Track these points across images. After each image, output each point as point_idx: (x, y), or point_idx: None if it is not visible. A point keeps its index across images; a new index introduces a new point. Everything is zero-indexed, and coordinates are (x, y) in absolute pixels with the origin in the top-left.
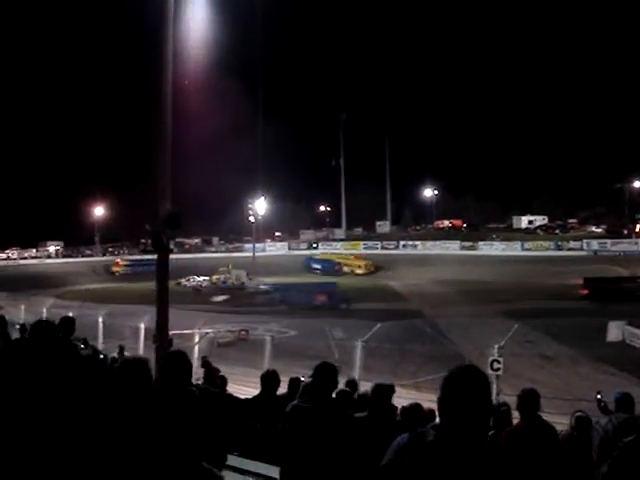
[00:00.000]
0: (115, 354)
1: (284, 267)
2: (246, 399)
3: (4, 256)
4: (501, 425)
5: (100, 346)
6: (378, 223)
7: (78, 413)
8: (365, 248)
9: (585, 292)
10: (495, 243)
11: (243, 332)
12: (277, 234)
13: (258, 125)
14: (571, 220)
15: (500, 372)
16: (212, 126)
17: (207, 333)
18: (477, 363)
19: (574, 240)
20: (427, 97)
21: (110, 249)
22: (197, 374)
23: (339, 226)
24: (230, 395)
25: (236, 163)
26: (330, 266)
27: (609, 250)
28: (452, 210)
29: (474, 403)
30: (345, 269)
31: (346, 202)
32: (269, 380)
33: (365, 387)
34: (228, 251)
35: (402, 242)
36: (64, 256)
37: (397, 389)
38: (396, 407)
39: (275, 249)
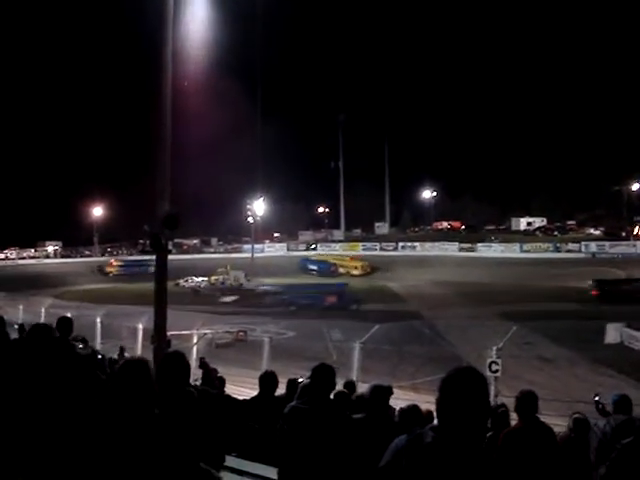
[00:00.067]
0: (115, 355)
1: (283, 268)
2: (244, 400)
3: (2, 256)
4: (499, 426)
5: (98, 346)
6: (377, 224)
7: (74, 412)
8: (364, 249)
9: (595, 294)
10: (494, 245)
11: (241, 333)
12: (276, 235)
13: (257, 126)
14: (570, 222)
15: (498, 374)
16: (211, 127)
17: (205, 334)
18: (475, 365)
19: (572, 242)
20: (426, 99)
21: (109, 249)
22: (195, 375)
23: (338, 227)
24: (228, 396)
25: (235, 164)
26: (326, 267)
27: (607, 252)
28: (451, 212)
29: (472, 405)
30: (341, 270)
31: (345, 203)
32: (267, 381)
33: (363, 389)
34: (227, 252)
35: (401, 243)
36: (62, 256)
37: (395, 390)
38: (394, 408)
39: (274, 250)
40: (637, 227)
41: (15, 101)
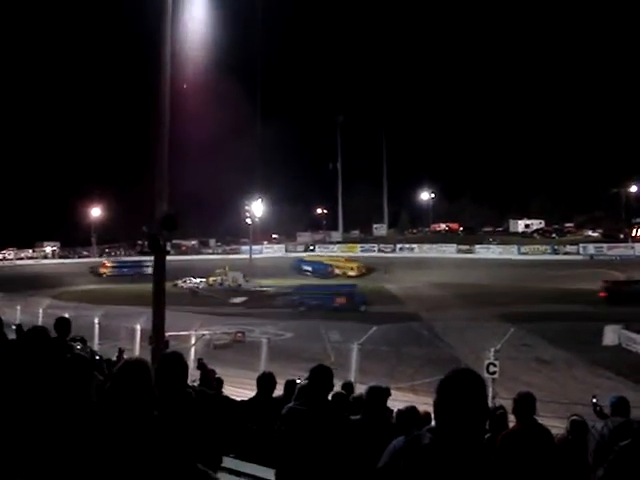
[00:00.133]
0: (114, 357)
1: (281, 269)
2: (242, 401)
3: (0, 256)
4: (497, 428)
5: (96, 347)
6: (375, 226)
7: (72, 413)
8: (362, 251)
9: (604, 295)
10: (492, 247)
11: (239, 334)
12: (274, 236)
13: (256, 127)
14: (568, 224)
15: (496, 375)
16: (210, 128)
17: (203, 335)
18: (473, 366)
19: (571, 244)
20: (424, 100)
21: (107, 250)
22: (193, 376)
23: (336, 229)
24: (226, 397)
25: (234, 165)
26: (321, 268)
27: (605, 254)
28: (449, 213)
29: (470, 406)
30: (337, 271)
31: (343, 205)
32: (265, 382)
33: (361, 390)
34: (225, 253)
35: (399, 245)
36: (60, 257)
37: (393, 392)
38: (392, 410)
39: (272, 251)
40: (635, 229)
41: (14, 101)
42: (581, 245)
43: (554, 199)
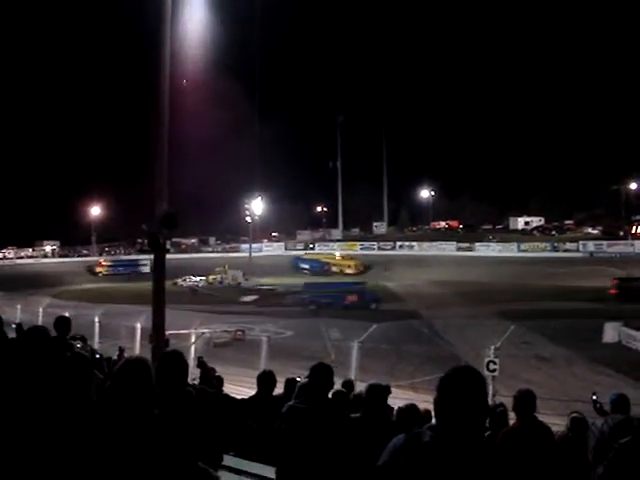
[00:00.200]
0: (115, 355)
1: (281, 267)
2: (242, 399)
3: (0, 255)
4: (497, 426)
5: (96, 346)
6: (375, 224)
7: (72, 412)
8: (362, 249)
9: (614, 292)
10: (491, 244)
11: (239, 332)
12: (274, 234)
13: (256, 126)
14: (567, 221)
15: (496, 373)
16: (210, 127)
17: (203, 333)
18: (473, 364)
19: (570, 241)
20: (424, 98)
21: (107, 249)
22: (193, 374)
23: (336, 227)
24: (226, 395)
25: (234, 164)
26: (319, 266)
27: (605, 252)
28: (449, 211)
29: (470, 404)
30: (334, 269)
31: (343, 203)
32: (265, 380)
33: (361, 388)
34: (225, 251)
35: (399, 243)
36: (60, 256)
37: (393, 390)
38: (392, 408)
39: (272, 249)
40: (635, 226)
41: (14, 101)
42: (581, 242)
43: (554, 196)
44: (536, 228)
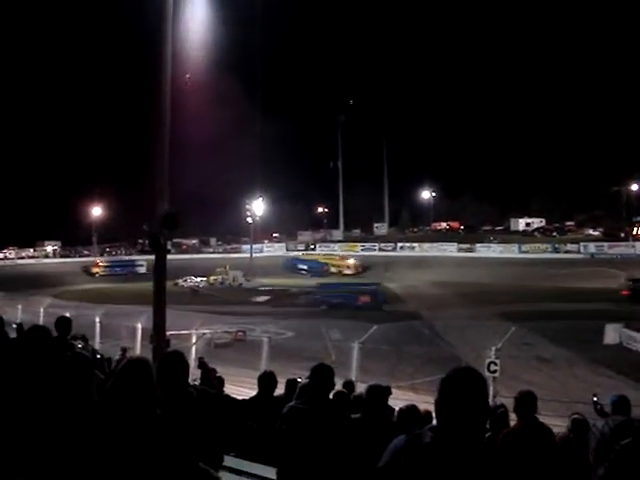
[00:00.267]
0: (117, 355)
1: (282, 268)
2: (243, 400)
3: (1, 256)
4: (498, 427)
5: (97, 346)
6: (376, 225)
7: (73, 412)
8: (363, 249)
9: (626, 293)
10: (492, 245)
11: (240, 333)
12: (275, 235)
13: (256, 126)
14: (568, 223)
15: (497, 374)
16: (211, 126)
17: (204, 334)
18: (474, 365)
19: (571, 243)
20: (425, 99)
21: (107, 249)
22: (194, 375)
23: (337, 227)
24: (227, 396)
25: (234, 164)
26: (317, 266)
27: (606, 253)
28: (450, 212)
29: (471, 405)
30: (332, 269)
31: (344, 203)
32: (266, 381)
33: (362, 389)
34: (226, 252)
35: (400, 244)
36: (61, 256)
37: (394, 391)
38: (393, 409)
39: (273, 250)
40: (636, 228)
41: (15, 100)
42: (582, 244)
43: (555, 198)
44: (537, 229)
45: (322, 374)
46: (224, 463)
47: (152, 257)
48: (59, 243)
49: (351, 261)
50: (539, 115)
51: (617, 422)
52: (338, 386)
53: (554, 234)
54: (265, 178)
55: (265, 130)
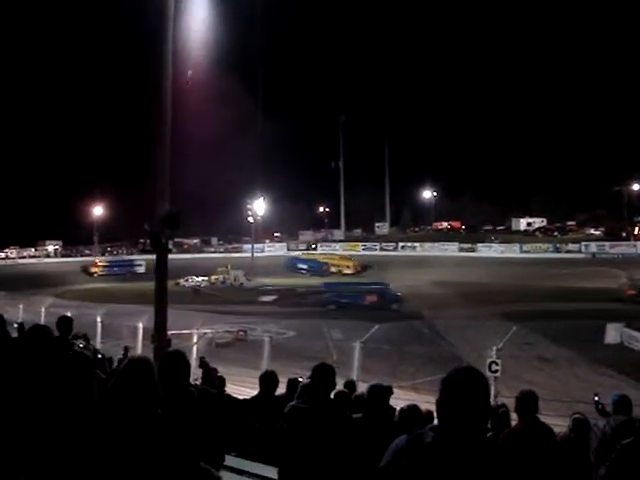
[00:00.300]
0: (120, 355)
1: (283, 268)
2: (244, 400)
3: (3, 255)
4: (500, 427)
5: (99, 345)
6: (377, 224)
7: (74, 411)
8: (364, 249)
9: (632, 293)
10: (494, 245)
11: (241, 333)
12: (276, 235)
13: (258, 126)
14: (570, 222)
15: (498, 374)
16: (212, 126)
17: (205, 333)
18: (475, 365)
19: (572, 242)
20: (426, 99)
21: (109, 249)
22: (195, 374)
23: (338, 227)
24: (228, 395)
25: (236, 163)
26: (317, 266)
27: (607, 253)
28: (451, 212)
29: (473, 405)
30: (332, 269)
31: (345, 203)
32: (268, 381)
33: (363, 388)
34: (227, 251)
35: (401, 243)
36: (63, 255)
37: (395, 390)
38: (394, 408)
39: (274, 250)
40: (637, 227)
41: (15, 100)
42: (583, 243)
43: (556, 197)
44: (538, 229)
45: (323, 374)
46: (225, 462)
47: (151, 257)
48: (60, 243)
49: (350, 261)
50: (540, 115)
51: (618, 422)
52: (339, 386)
53: (555, 234)
54: (266, 178)
55: (266, 130)
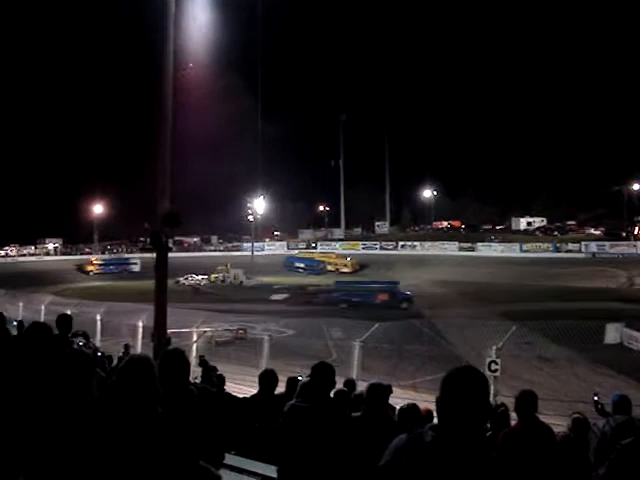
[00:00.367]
0: (120, 353)
1: (282, 266)
2: (244, 398)
3: (3, 253)
4: (499, 426)
5: (98, 344)
6: (377, 223)
7: (74, 410)
8: (364, 248)
9: None
10: (494, 244)
11: (241, 331)
12: (276, 233)
13: (258, 125)
14: (570, 222)
15: (498, 373)
16: (212, 126)
17: (205, 332)
18: (475, 364)
19: (573, 242)
20: (427, 98)
21: (109, 247)
22: (195, 373)
23: (338, 226)
24: (228, 394)
25: (236, 162)
26: (314, 264)
27: (607, 252)
28: (451, 211)
29: (472, 404)
30: (329, 267)
31: (345, 202)
32: (267, 379)
33: (363, 387)
34: (227, 250)
35: (401, 243)
36: (63, 253)
37: (395, 389)
38: (394, 407)
39: (274, 248)
40: (637, 227)
41: (16, 99)
42: (583, 243)
43: (556, 197)
44: (538, 229)
45: (323, 372)
46: (225, 461)
47: (147, 255)
48: (60, 241)
49: (348, 259)
50: (541, 115)
51: (618, 422)
52: (339, 384)
53: (555, 233)
54: (266, 176)
55: (267, 128)
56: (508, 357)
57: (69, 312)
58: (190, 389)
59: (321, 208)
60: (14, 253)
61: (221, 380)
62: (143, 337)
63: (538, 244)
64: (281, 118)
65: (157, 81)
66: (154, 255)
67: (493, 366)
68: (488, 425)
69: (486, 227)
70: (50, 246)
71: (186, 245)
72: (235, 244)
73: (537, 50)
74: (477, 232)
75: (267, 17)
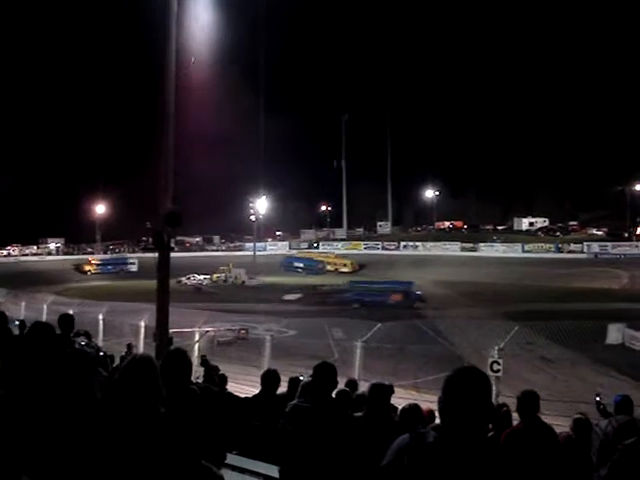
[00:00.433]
0: (123, 352)
1: (280, 266)
2: (246, 398)
3: (5, 253)
4: (501, 426)
5: (100, 343)
6: (379, 223)
7: (76, 409)
8: (366, 248)
9: None
10: (496, 245)
11: (243, 331)
12: (278, 233)
13: (260, 124)
14: (572, 222)
15: (500, 374)
16: (215, 125)
17: (207, 332)
18: (477, 364)
19: (575, 242)
20: (429, 99)
21: (111, 247)
22: (197, 372)
23: (340, 226)
24: (230, 394)
25: (238, 162)
26: (313, 264)
27: (610, 253)
28: (453, 211)
29: (475, 404)
30: (329, 267)
31: (347, 202)
32: (269, 379)
33: (365, 387)
34: (229, 250)
35: (403, 243)
36: (65, 253)
37: (397, 389)
38: (396, 407)
39: (276, 248)
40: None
41: (17, 97)
42: (585, 243)
43: (558, 197)
44: (540, 229)
45: (325, 372)
46: (227, 461)
47: (145, 255)
48: (62, 240)
49: (347, 259)
50: (543, 115)
51: (620, 422)
52: (341, 385)
53: (557, 234)
54: (269, 176)
55: (269, 128)
56: (510, 357)
57: (71, 312)
58: (192, 389)
59: (323, 208)
60: (16, 253)
61: (223, 380)
62: (145, 337)
63: (540, 244)
64: (284, 118)
65: (159, 80)
66: (153, 255)
67: (495, 366)
68: (490, 425)
69: (488, 227)
70: (52, 246)
71: (188, 245)
72: (237, 244)
73: (539, 50)
74: (479, 232)
75: (270, 16)
